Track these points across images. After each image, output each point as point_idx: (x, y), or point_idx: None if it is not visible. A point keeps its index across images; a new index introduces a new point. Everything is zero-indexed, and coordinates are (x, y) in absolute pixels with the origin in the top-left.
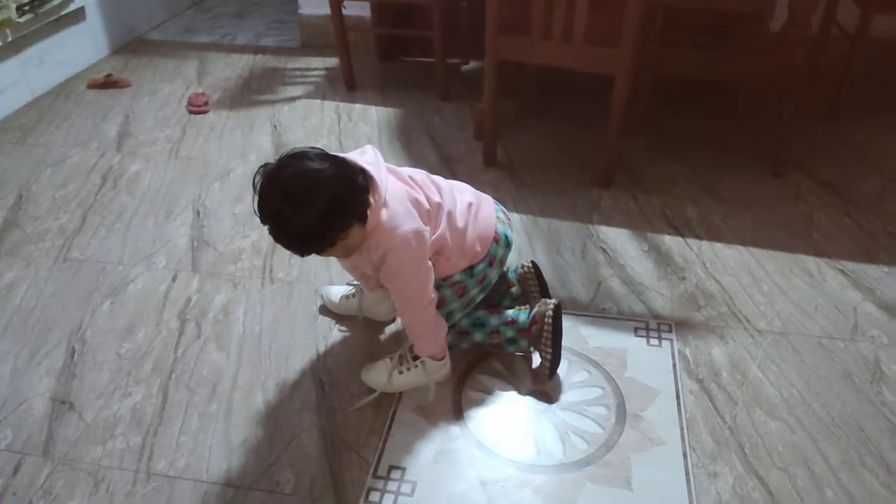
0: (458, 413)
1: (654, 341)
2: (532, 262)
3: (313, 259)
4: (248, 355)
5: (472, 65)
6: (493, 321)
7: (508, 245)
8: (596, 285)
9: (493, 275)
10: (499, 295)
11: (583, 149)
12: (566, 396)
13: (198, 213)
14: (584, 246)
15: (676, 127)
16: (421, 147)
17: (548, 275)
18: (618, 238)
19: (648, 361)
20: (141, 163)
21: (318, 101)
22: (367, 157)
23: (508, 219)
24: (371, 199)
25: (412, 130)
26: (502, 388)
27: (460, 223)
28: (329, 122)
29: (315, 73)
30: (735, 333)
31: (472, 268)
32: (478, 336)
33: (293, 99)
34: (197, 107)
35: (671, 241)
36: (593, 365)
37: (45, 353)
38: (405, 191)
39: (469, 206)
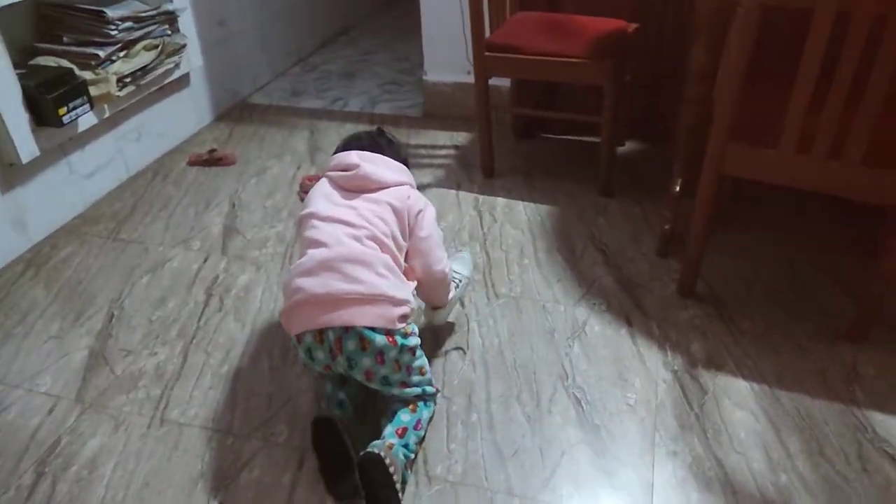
0: None
1: None
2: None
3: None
4: None
5: (628, 146)
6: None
7: (312, 359)
8: None
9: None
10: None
11: (813, 283)
12: None
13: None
14: (859, 449)
15: None
16: (590, 263)
17: (816, 492)
18: None
19: None
20: (250, 272)
21: (453, 193)
22: (350, 160)
23: (340, 349)
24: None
25: (574, 238)
26: None
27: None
28: (469, 222)
29: (443, 151)
30: None
31: None
32: None
33: (422, 187)
34: None
35: None
36: None
37: None
38: (319, 195)
39: (297, 290)
